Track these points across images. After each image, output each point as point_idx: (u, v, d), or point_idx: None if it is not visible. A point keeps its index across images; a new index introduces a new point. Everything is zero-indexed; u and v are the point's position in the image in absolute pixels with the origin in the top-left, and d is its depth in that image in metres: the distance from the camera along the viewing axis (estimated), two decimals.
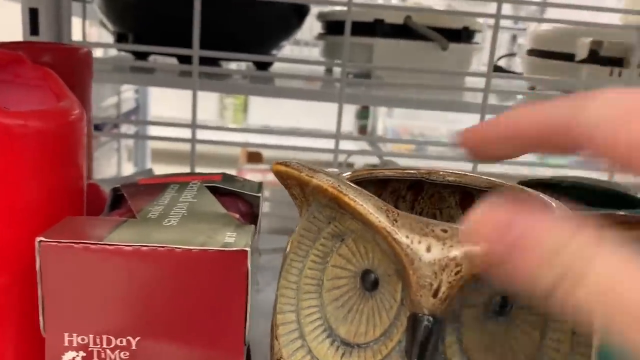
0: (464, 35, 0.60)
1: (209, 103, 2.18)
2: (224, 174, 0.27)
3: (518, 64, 0.76)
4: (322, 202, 0.19)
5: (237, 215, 0.23)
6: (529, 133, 0.14)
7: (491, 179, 0.24)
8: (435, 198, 0.26)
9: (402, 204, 0.26)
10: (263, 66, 0.57)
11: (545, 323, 0.18)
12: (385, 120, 2.07)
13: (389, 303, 0.18)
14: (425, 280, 0.16)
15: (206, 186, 0.25)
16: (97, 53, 0.74)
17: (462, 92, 0.59)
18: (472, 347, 0.18)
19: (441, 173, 0.24)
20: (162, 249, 0.18)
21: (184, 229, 0.20)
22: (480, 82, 0.70)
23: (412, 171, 0.24)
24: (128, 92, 0.92)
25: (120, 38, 0.56)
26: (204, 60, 0.47)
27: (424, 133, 2.01)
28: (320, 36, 0.65)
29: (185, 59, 0.49)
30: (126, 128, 0.93)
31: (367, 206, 0.17)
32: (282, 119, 1.77)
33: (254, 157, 1.22)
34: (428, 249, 0.17)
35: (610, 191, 0.30)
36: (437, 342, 0.17)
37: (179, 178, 0.26)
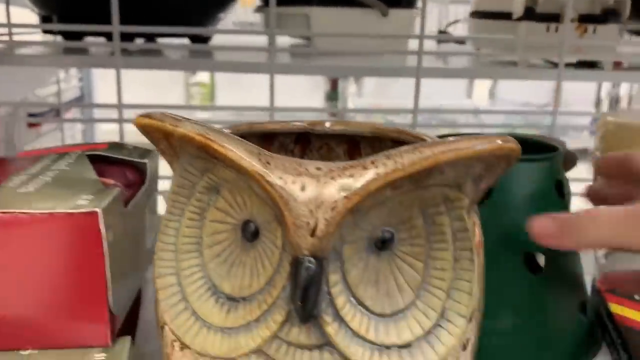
0: (404, 0, 0.58)
1: (175, 93, 2.13)
2: (111, 143, 0.26)
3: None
4: (193, 154, 0.17)
5: (112, 182, 0.21)
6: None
7: (375, 125, 0.23)
8: (324, 150, 0.25)
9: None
10: (201, 40, 0.55)
11: (428, 253, 0.17)
12: (355, 100, 2.06)
13: (270, 251, 0.17)
14: (301, 220, 0.15)
15: (91, 155, 0.23)
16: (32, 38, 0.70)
17: (406, 58, 0.58)
18: (357, 284, 0.17)
19: (326, 124, 0.23)
20: (5, 214, 0.16)
21: (39, 195, 0.18)
22: (428, 47, 0.69)
23: (296, 123, 0.23)
24: (73, 80, 0.88)
25: (45, 20, 0.53)
26: (143, 39, 0.45)
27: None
28: (259, 8, 0.62)
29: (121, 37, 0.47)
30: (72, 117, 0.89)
31: (238, 151, 0.16)
32: (252, 103, 1.73)
33: None
34: (302, 188, 0.16)
35: (534, 140, 0.31)
36: (321, 283, 0.16)
37: (63, 149, 0.24)
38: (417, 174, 0.16)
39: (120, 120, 0.47)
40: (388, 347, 0.17)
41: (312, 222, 0.15)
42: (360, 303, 0.17)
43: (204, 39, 0.55)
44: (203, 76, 2.02)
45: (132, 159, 0.25)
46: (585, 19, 0.52)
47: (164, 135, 0.17)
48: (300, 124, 0.24)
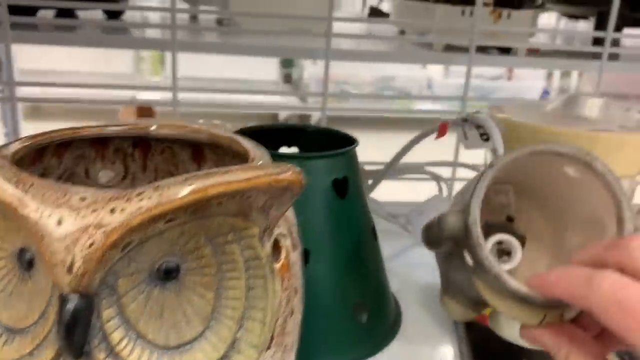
0: None
1: (124, 62, 2.05)
2: None
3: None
4: None
5: None
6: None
7: (211, 131, 0.22)
8: (167, 153, 0.24)
9: (132, 162, 0.23)
10: (114, 15, 0.52)
11: (220, 283, 0.17)
12: (309, 67, 2.02)
13: (44, 282, 0.16)
14: (56, 257, 0.14)
15: None
16: None
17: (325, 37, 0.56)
18: (137, 317, 0.16)
19: (153, 127, 0.22)
20: None
21: None
22: (353, 27, 0.67)
23: (122, 127, 0.22)
24: None
25: None
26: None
27: (348, 80, 2.00)
28: None
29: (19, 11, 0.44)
30: None
31: None
32: (205, 71, 1.67)
33: (144, 112, 1.13)
34: (59, 222, 0.14)
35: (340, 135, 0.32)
36: (89, 319, 0.15)
37: None
38: (187, 207, 0.15)
39: (12, 99, 0.44)
40: None
41: (68, 260, 0.14)
42: (141, 336, 0.16)
43: (117, 14, 0.53)
44: None
45: None
46: (500, 3, 0.51)
47: None
48: (125, 127, 0.22)
